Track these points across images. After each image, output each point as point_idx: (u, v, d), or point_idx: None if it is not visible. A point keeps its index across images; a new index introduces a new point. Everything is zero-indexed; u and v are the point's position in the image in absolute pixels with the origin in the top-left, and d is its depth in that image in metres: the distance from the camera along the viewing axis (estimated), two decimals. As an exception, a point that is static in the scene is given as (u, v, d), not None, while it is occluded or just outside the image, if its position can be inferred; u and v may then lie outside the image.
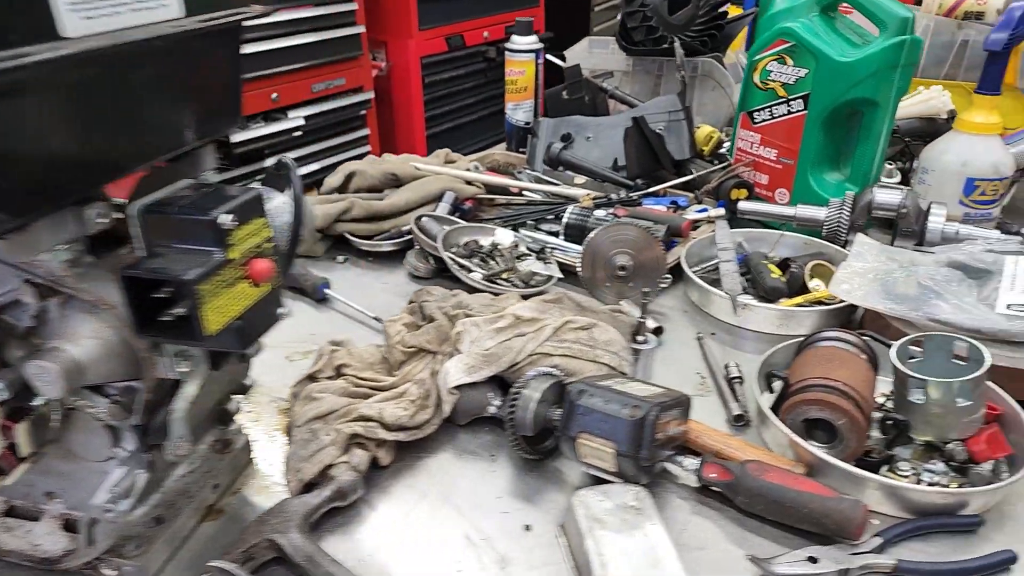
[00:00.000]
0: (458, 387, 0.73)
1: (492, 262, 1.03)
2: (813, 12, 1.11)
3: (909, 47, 1.03)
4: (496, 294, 0.89)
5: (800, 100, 1.13)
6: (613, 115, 1.57)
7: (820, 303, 0.95)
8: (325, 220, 1.13)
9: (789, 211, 1.11)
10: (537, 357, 0.75)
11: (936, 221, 1.01)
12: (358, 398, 0.73)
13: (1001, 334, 0.79)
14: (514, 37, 1.55)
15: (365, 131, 2.56)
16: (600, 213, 1.15)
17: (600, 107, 1.61)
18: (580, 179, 1.39)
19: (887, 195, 1.04)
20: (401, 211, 1.18)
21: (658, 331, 0.93)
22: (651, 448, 0.61)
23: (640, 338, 0.84)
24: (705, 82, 1.54)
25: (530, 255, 1.08)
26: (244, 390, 0.67)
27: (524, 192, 1.32)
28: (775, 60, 1.15)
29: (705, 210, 1.25)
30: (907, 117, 1.37)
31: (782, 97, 1.16)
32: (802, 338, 0.81)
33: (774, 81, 1.16)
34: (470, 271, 1.00)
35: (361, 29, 2.39)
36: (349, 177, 1.27)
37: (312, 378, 0.77)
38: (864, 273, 0.90)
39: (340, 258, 1.15)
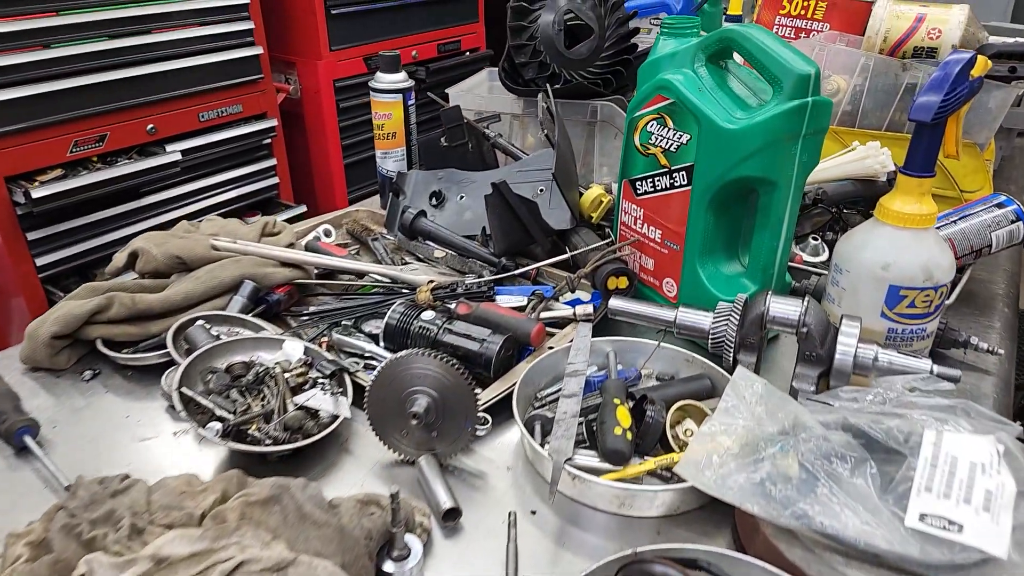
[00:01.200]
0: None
1: (252, 398, 0.77)
2: (699, 61, 0.86)
3: (813, 112, 0.78)
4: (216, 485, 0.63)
5: (683, 172, 0.88)
6: (504, 167, 1.32)
7: (683, 466, 0.70)
8: (66, 324, 0.87)
9: (667, 315, 0.86)
10: (194, 619, 0.49)
11: (847, 344, 0.75)
12: None
13: (910, 563, 0.54)
14: (378, 74, 1.29)
15: (271, 162, 2.30)
16: (428, 315, 0.89)
17: (488, 157, 1.35)
18: (441, 252, 1.14)
19: (783, 307, 0.78)
20: (178, 308, 0.93)
21: (451, 515, 0.67)
22: None
23: (396, 552, 0.58)
24: (606, 130, 1.28)
25: (326, 380, 0.82)
26: None
27: (372, 273, 1.06)
28: (655, 119, 0.90)
29: (577, 302, 1.00)
30: (838, 179, 1.12)
31: (664, 167, 0.90)
32: (627, 553, 0.56)
33: (655, 146, 0.91)
34: (211, 417, 0.74)
35: (259, 50, 2.13)
36: (134, 257, 1.01)
37: None
38: (732, 437, 0.65)
39: (87, 374, 0.89)
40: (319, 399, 0.77)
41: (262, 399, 0.76)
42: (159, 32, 1.89)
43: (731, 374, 0.79)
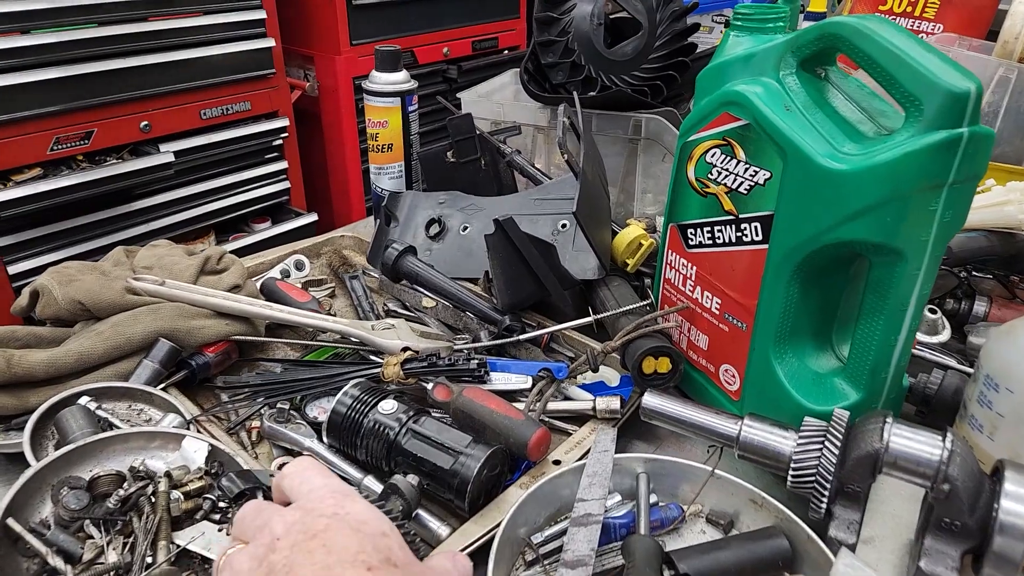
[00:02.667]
0: None
1: (113, 534, 0.54)
2: (788, 67, 0.59)
3: (968, 149, 0.50)
4: None
5: (758, 224, 0.61)
6: (521, 193, 1.07)
7: None
8: (-83, 394, 0.66)
9: (728, 427, 0.59)
10: None
11: (1015, 514, 0.48)
12: None
13: None
14: (374, 73, 1.06)
15: (281, 165, 2.10)
16: (388, 406, 0.64)
17: (504, 178, 1.11)
18: (431, 301, 0.90)
19: (913, 445, 0.51)
20: (70, 373, 0.70)
21: None
22: None
23: None
24: (652, 149, 1.02)
25: (229, 504, 0.58)
26: None
27: (331, 331, 0.82)
28: (719, 147, 0.64)
29: (600, 388, 0.74)
30: (965, 229, 0.83)
31: (729, 213, 0.64)
32: None
33: (716, 184, 0.64)
34: (42, 568, 0.50)
35: (271, 43, 1.93)
36: (36, 297, 0.80)
37: None
38: None
39: (-60, 461, 0.67)
40: (211, 539, 0.54)
41: (128, 536, 0.53)
42: (156, 20, 1.70)
43: (821, 537, 0.53)
